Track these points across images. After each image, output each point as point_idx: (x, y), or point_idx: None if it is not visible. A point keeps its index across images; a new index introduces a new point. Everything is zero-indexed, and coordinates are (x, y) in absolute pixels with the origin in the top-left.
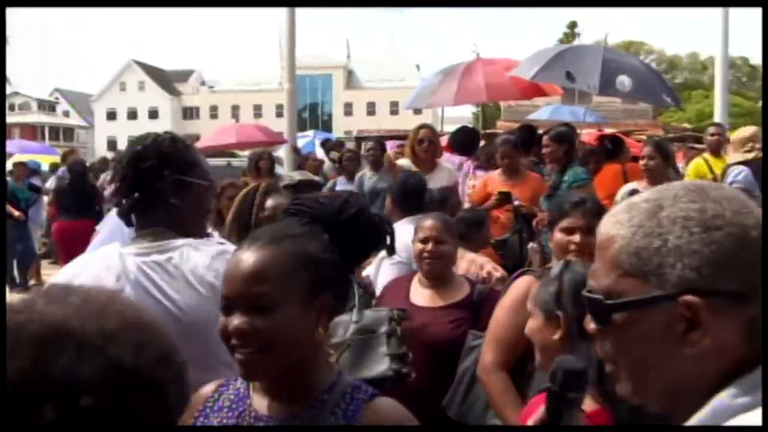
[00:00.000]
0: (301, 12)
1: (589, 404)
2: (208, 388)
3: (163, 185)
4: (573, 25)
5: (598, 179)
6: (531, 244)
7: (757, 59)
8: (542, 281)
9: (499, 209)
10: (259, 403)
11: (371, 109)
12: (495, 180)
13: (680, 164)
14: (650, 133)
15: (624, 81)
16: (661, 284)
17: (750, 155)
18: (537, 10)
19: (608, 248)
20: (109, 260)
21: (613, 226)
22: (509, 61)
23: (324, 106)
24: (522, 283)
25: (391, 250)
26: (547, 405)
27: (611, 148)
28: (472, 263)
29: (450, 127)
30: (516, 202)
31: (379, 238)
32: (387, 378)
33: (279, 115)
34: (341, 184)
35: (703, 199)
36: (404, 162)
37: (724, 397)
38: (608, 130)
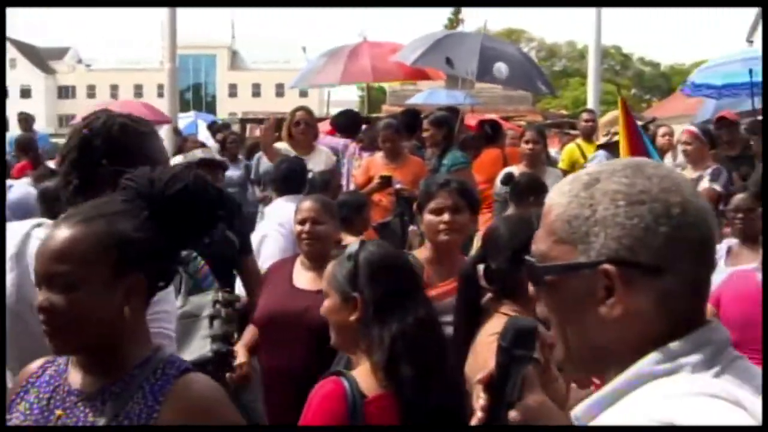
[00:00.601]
0: None
1: (373, 389)
2: (35, 364)
3: (103, 174)
4: (457, 11)
5: (478, 163)
6: (412, 227)
7: (628, 48)
8: (336, 260)
9: (381, 192)
10: (74, 377)
11: (256, 90)
12: (377, 163)
13: (555, 149)
14: (530, 119)
15: (501, 68)
16: (586, 252)
17: (605, 139)
18: None
19: (548, 215)
20: (14, 238)
21: (556, 195)
22: (395, 45)
23: (208, 87)
24: None
25: (230, 224)
26: (497, 361)
27: (491, 133)
28: None
29: (336, 111)
30: (398, 186)
31: (219, 213)
32: (208, 360)
33: (160, 95)
34: None
35: (636, 175)
36: (282, 145)
37: (646, 362)
38: (489, 116)
